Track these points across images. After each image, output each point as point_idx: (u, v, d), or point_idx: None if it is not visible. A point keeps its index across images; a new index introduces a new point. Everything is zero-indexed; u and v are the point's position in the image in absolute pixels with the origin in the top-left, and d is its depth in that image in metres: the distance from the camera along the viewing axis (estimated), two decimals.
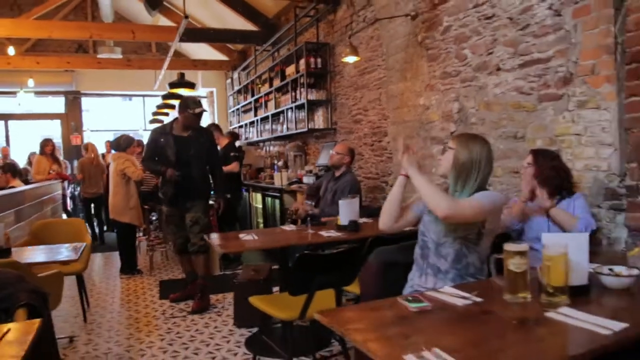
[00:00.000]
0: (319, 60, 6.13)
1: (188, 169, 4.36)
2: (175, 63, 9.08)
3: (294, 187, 6.06)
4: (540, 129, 3.15)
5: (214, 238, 3.54)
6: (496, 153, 2.90)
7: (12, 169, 6.68)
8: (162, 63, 8.39)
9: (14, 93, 10.97)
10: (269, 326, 3.47)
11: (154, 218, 6.62)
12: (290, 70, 6.69)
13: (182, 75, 6.19)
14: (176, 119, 4.54)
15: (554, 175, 2.67)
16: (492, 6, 3.48)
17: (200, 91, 12.50)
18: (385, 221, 2.34)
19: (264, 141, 8.89)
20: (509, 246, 1.73)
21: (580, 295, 1.73)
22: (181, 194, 4.40)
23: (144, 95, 12.73)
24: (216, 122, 10.61)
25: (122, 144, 5.82)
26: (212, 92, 12.46)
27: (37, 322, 1.86)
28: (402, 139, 2.25)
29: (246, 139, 9.37)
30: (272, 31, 7.73)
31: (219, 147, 5.93)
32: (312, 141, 7.02)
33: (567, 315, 1.57)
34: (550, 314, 1.60)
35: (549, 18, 3.03)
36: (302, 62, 6.17)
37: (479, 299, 1.77)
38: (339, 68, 5.97)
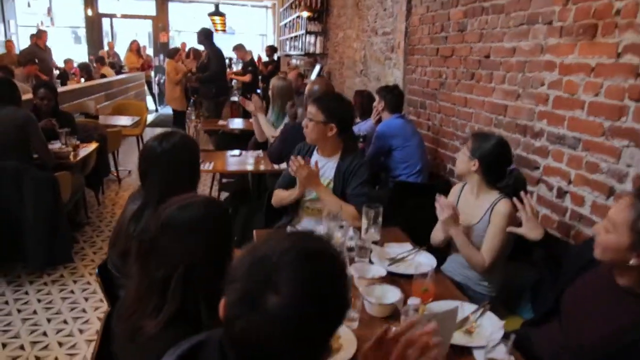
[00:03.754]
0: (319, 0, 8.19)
1: None
2: None
3: None
4: (384, 75, 5.31)
5: None
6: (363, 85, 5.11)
7: (100, 60, 9.57)
8: None
9: None
10: None
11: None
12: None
13: (217, 6, 8.49)
14: None
15: None
16: None
17: (265, 2, 14.74)
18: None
19: (291, 55, 11.18)
20: None
21: None
22: None
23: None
24: (272, 34, 12.89)
25: (171, 52, 8.39)
26: (274, 4, 14.60)
27: (96, 145, 4.56)
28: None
29: (284, 51, 11.67)
30: None
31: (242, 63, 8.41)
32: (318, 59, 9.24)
33: None
34: None
35: (391, 8, 5.08)
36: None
37: None
38: (330, 9, 8.04)
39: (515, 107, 3.00)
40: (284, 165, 3.22)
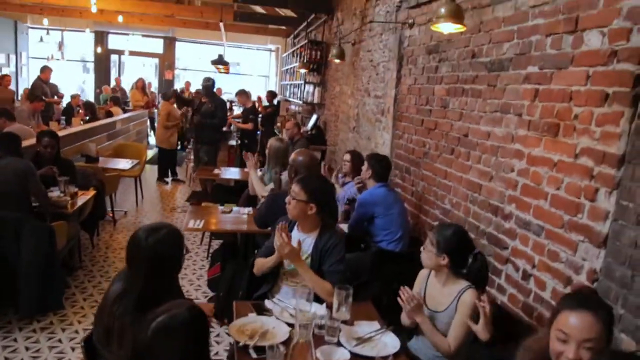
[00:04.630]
0: (319, 52, 8.51)
1: None
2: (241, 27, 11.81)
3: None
4: (374, 136, 5.53)
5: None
6: (352, 143, 5.31)
7: (115, 100, 9.88)
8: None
9: (126, 34, 14.24)
10: None
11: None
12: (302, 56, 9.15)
13: (220, 55, 8.82)
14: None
15: None
16: (371, 56, 5.79)
17: (269, 45, 15.19)
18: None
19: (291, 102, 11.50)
20: None
21: None
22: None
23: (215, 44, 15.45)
24: (275, 76, 13.27)
25: (167, 95, 8.69)
26: (277, 49, 15.04)
27: (94, 192, 4.74)
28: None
29: (284, 96, 12.01)
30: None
31: (243, 108, 8.74)
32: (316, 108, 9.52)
33: None
34: None
35: (382, 74, 5.34)
36: (308, 53, 8.59)
37: None
38: (329, 63, 8.35)
39: (488, 187, 3.19)
40: None
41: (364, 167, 3.97)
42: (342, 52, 5.43)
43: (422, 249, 2.50)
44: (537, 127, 2.74)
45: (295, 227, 2.86)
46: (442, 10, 2.55)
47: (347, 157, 4.78)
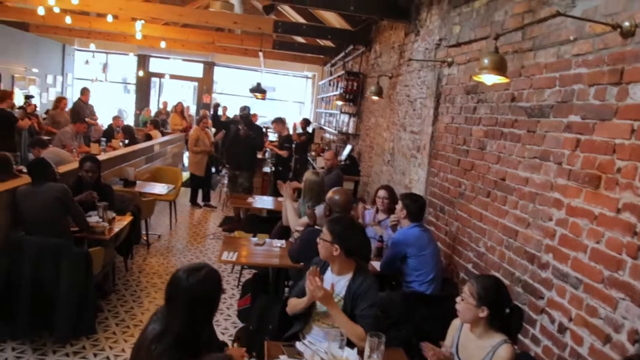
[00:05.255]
0: (355, 84, 8.58)
1: None
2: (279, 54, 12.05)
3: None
4: (409, 172, 5.52)
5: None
6: (389, 176, 5.32)
7: (155, 123, 10.14)
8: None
9: (167, 58, 14.66)
10: None
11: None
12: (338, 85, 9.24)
13: (258, 84, 8.99)
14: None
15: None
16: (408, 91, 5.81)
17: (305, 72, 15.41)
18: None
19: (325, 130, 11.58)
20: None
21: None
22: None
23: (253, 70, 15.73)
24: (310, 103, 13.43)
25: (198, 119, 8.86)
26: (314, 75, 15.23)
27: (130, 217, 4.85)
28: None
29: (319, 123, 12.10)
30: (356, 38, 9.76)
31: (278, 135, 8.91)
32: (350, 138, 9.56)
33: None
34: None
35: (419, 110, 5.34)
36: (345, 83, 8.67)
37: None
38: (365, 94, 8.41)
39: (525, 234, 3.14)
40: None
41: (398, 207, 3.96)
42: (381, 90, 5.47)
43: (458, 300, 2.46)
44: (577, 177, 2.69)
45: (329, 268, 2.86)
46: (486, 61, 2.55)
47: (383, 193, 4.77)
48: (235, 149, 7.72)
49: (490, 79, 2.67)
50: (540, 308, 2.90)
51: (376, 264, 4.01)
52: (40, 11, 8.60)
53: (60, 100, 10.16)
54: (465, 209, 4.04)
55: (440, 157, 4.67)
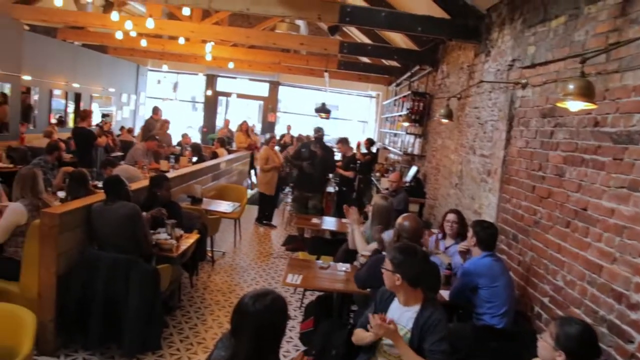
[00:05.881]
0: (421, 104, 8.44)
1: None
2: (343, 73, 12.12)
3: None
4: (478, 196, 5.32)
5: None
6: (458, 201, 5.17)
7: (221, 141, 10.38)
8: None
9: (234, 78, 15.05)
10: None
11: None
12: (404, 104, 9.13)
13: (323, 104, 9.04)
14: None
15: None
16: (478, 113, 5.64)
17: (370, 92, 15.40)
18: None
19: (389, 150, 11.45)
20: None
21: None
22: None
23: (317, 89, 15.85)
24: (374, 122, 13.38)
25: (266, 140, 8.95)
26: (378, 95, 15.18)
27: (197, 235, 4.92)
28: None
29: (383, 143, 11.99)
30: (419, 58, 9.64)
31: (342, 155, 8.91)
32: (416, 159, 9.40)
33: None
34: None
35: (490, 133, 5.16)
36: (411, 103, 8.55)
37: None
38: (432, 114, 8.26)
39: (611, 270, 2.91)
40: None
41: (469, 234, 3.80)
42: (451, 113, 5.31)
43: (539, 337, 2.31)
44: None
45: (395, 299, 2.76)
46: (571, 86, 2.40)
47: (452, 217, 4.62)
48: (309, 171, 7.71)
49: (575, 105, 2.51)
50: (629, 353, 2.67)
51: (444, 293, 3.86)
52: (119, 35, 9.06)
53: (163, 123, 10.60)
54: (541, 239, 3.82)
55: (513, 183, 4.46)
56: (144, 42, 10.21)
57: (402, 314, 2.65)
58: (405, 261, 2.68)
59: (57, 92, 10.94)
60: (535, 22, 4.37)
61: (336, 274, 4.16)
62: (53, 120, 10.85)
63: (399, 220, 3.66)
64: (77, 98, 11.90)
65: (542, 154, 3.97)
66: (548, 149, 3.87)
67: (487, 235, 3.71)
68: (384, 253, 3.59)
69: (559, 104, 2.66)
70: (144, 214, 4.46)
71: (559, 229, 3.55)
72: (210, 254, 6.57)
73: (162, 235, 4.59)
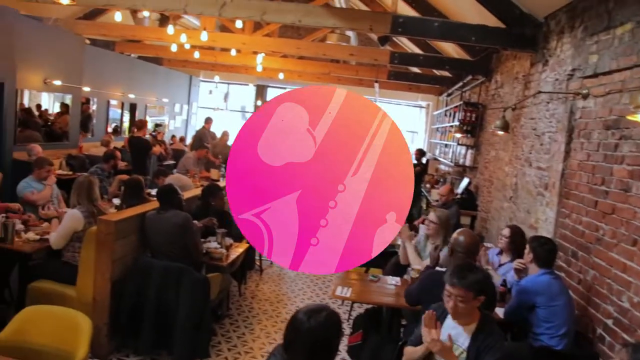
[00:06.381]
0: (474, 115, 8.25)
1: None
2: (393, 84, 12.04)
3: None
4: (534, 210, 5.13)
5: None
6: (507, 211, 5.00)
7: None
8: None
9: (284, 88, 15.16)
10: None
11: None
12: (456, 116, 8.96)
13: None
14: None
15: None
16: (534, 124, 5.44)
17: (419, 102, 15.23)
18: None
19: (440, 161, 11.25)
20: None
21: None
22: None
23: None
24: (424, 133, 13.20)
25: None
26: (428, 105, 14.98)
27: (246, 245, 4.95)
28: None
29: (433, 154, 11.80)
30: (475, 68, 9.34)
31: None
32: (467, 171, 9.19)
33: None
34: None
35: (548, 145, 4.97)
36: (462, 114, 8.37)
37: None
38: (484, 125, 8.05)
39: None
40: None
41: (526, 250, 3.65)
42: (507, 124, 5.13)
43: None
44: None
45: (449, 316, 2.67)
46: None
47: (507, 232, 4.46)
48: None
49: None
50: None
51: (499, 311, 3.72)
52: (173, 48, 9.31)
53: (223, 134, 10.84)
54: (603, 257, 3.62)
55: (573, 197, 4.27)
56: (197, 54, 10.45)
57: (458, 334, 2.55)
58: (470, 276, 2.59)
59: (113, 102, 11.33)
60: (598, 29, 4.18)
61: (386, 287, 4.08)
62: (109, 130, 11.23)
63: (455, 234, 3.55)
64: (133, 108, 12.29)
65: (605, 167, 3.78)
66: (612, 163, 3.68)
67: (544, 251, 3.55)
68: (437, 269, 3.50)
69: (629, 117, 2.52)
70: (196, 222, 4.52)
71: (625, 247, 3.35)
72: (258, 263, 6.61)
73: (212, 244, 4.64)
